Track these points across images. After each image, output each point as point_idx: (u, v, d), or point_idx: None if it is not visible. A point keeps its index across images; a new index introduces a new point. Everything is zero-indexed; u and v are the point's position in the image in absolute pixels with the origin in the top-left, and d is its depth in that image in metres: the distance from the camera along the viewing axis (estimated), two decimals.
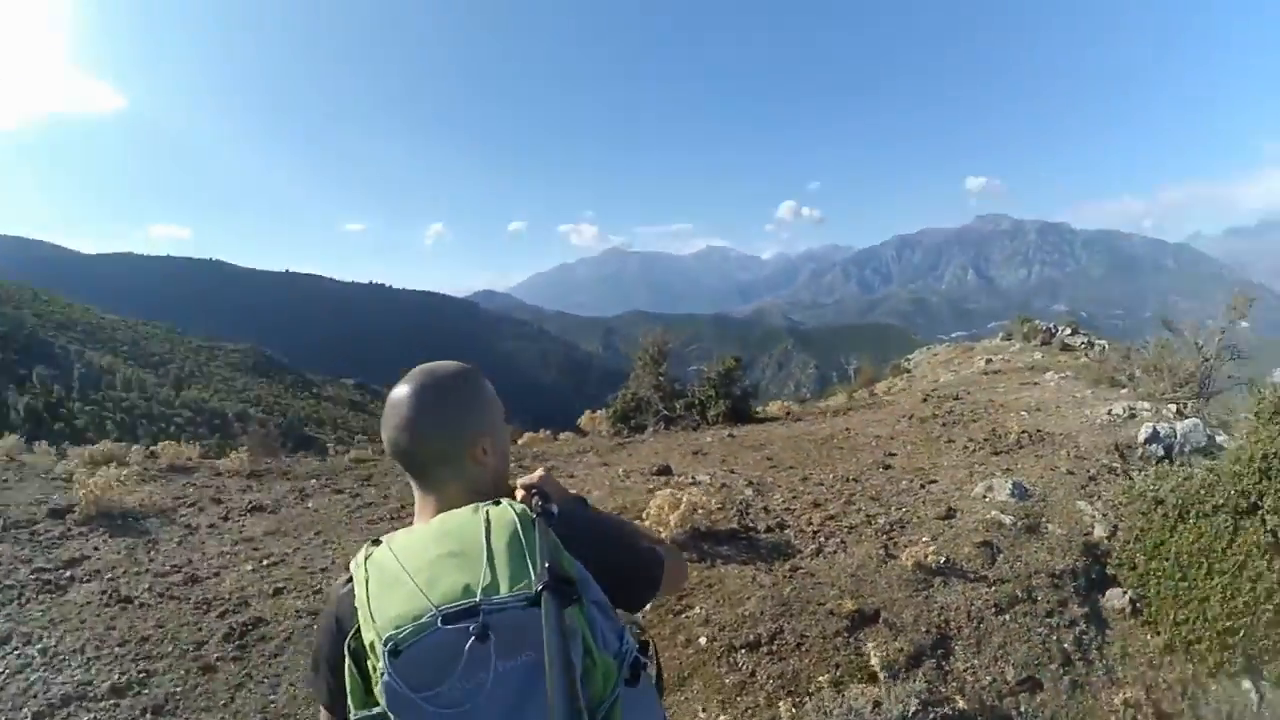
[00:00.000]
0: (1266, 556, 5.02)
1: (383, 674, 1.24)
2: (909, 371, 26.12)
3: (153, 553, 6.59)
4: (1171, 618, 5.30)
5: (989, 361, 20.78)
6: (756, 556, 5.92)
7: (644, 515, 6.17)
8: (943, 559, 5.72)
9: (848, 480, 8.13)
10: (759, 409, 14.50)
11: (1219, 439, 8.57)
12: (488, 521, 1.39)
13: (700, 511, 6.09)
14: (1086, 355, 21.47)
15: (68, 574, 5.96)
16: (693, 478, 8.40)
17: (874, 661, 4.68)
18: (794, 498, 7.51)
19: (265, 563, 6.39)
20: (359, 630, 1.33)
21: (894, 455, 9.27)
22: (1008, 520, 6.52)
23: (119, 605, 5.48)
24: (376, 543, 1.45)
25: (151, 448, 11.09)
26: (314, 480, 9.38)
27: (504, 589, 1.27)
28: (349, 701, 1.35)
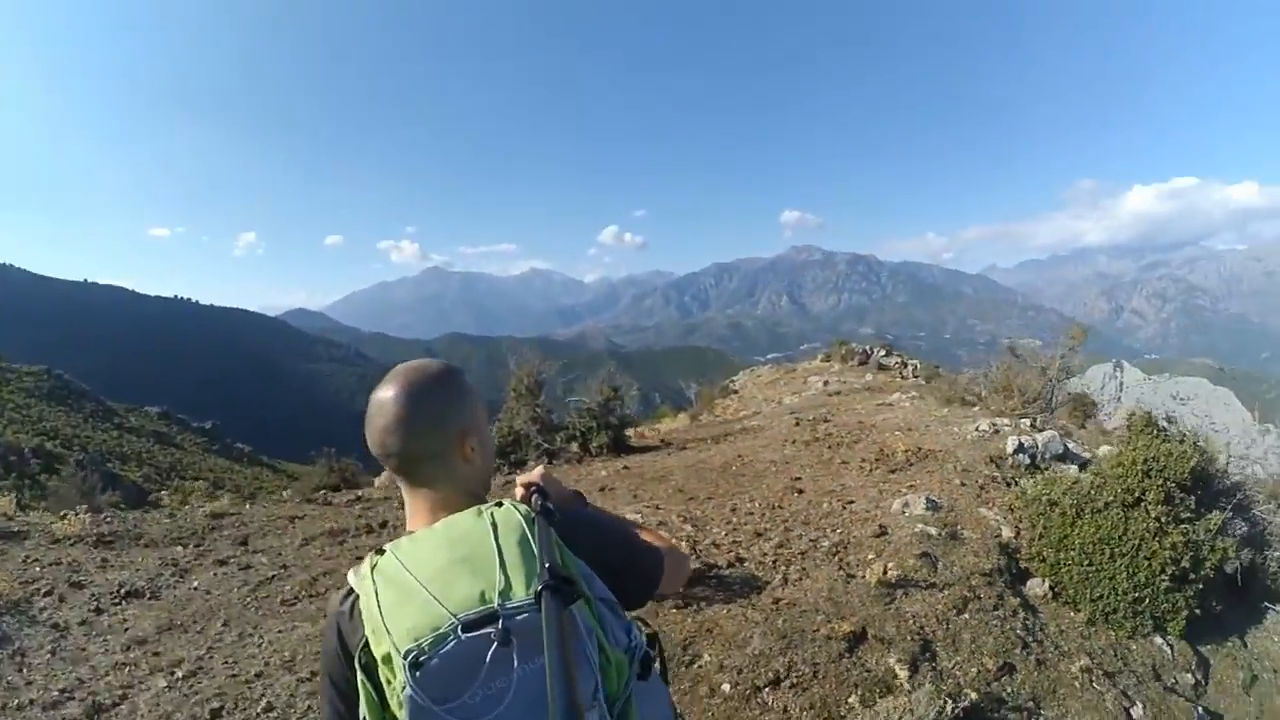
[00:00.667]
0: (1155, 539, 6.19)
1: (404, 687, 1.21)
2: (736, 392, 26.78)
3: (26, 670, 5.14)
4: (1088, 596, 6.37)
5: (827, 384, 21.62)
6: (733, 594, 5.83)
7: None
8: (898, 573, 6.02)
9: (773, 507, 8.16)
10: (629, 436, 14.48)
11: (1071, 446, 9.66)
12: (494, 524, 1.38)
13: None
14: (901, 375, 22.87)
15: None
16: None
17: (900, 675, 4.94)
18: (733, 529, 7.47)
19: (179, 675, 5.13)
20: (368, 644, 1.31)
21: (799, 479, 9.41)
22: (933, 532, 7.07)
23: None
24: (381, 552, 1.42)
25: None
26: (180, 547, 8.24)
27: (520, 592, 1.26)
28: (367, 719, 1.31)
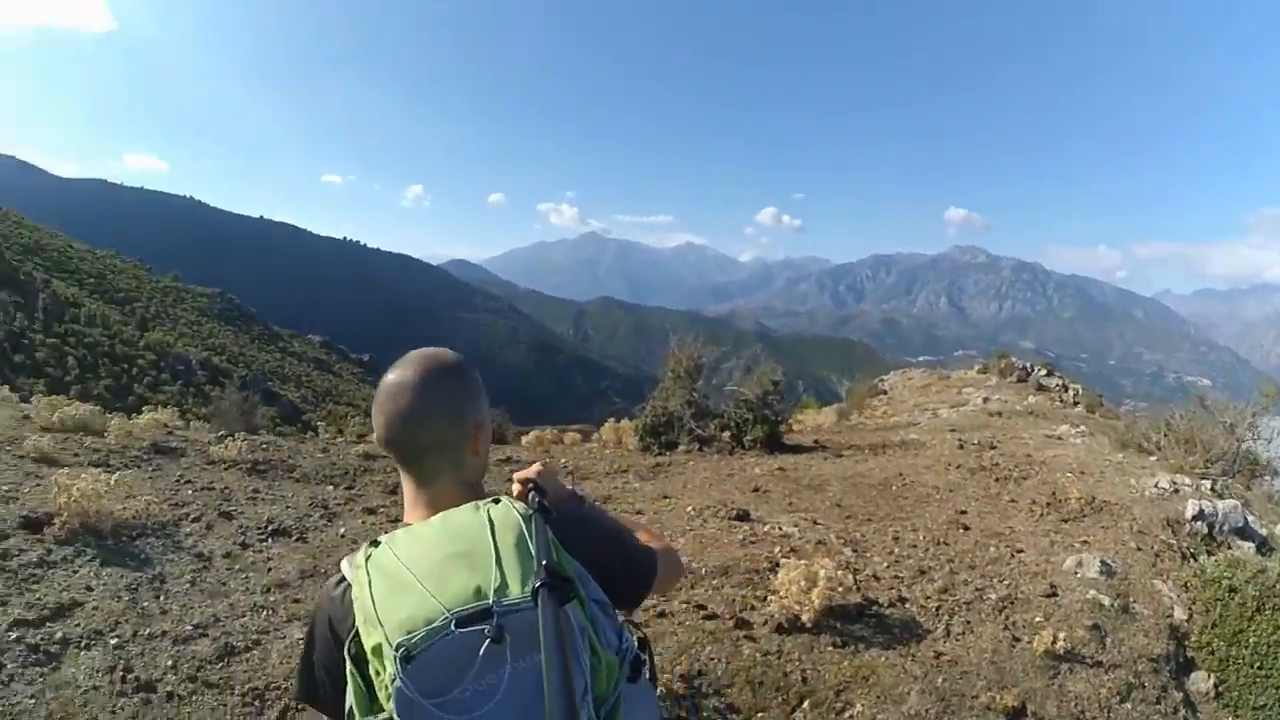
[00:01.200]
0: None
1: (393, 679, 1.21)
2: (885, 393, 26.03)
3: (163, 598, 5.08)
4: (1250, 702, 5.71)
5: (987, 400, 20.62)
6: (893, 639, 5.37)
7: (774, 590, 5.56)
8: (1066, 645, 5.50)
9: (937, 542, 7.60)
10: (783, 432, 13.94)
11: (1251, 520, 8.67)
12: (492, 521, 1.39)
13: (839, 589, 5.58)
14: (1061, 399, 21.61)
15: (58, 633, 4.41)
16: (779, 527, 7.73)
17: None
18: (896, 561, 6.97)
19: None
20: (358, 635, 1.31)
21: (965, 513, 8.78)
22: (1106, 601, 6.41)
23: (139, 695, 4.09)
24: (375, 543, 1.41)
25: (129, 424, 10.18)
26: (330, 486, 8.38)
27: (515, 589, 1.26)
28: (354, 710, 1.31)
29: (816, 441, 13.92)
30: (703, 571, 6.13)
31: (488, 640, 1.20)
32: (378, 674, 1.25)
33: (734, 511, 7.97)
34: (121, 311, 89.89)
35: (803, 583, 5.33)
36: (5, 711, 3.76)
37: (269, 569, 5.84)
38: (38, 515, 5.70)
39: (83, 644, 4.38)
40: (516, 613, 1.23)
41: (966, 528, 8.22)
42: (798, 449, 12.88)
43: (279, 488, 8.03)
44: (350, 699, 1.31)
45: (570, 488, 1.77)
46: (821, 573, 5.40)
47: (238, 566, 5.80)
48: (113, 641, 4.46)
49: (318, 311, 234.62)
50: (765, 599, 5.56)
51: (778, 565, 6.06)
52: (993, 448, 12.51)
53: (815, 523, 8.10)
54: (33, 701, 3.85)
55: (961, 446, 12.64)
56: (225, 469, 8.46)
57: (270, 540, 6.43)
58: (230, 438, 9.77)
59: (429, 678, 1.20)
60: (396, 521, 7.12)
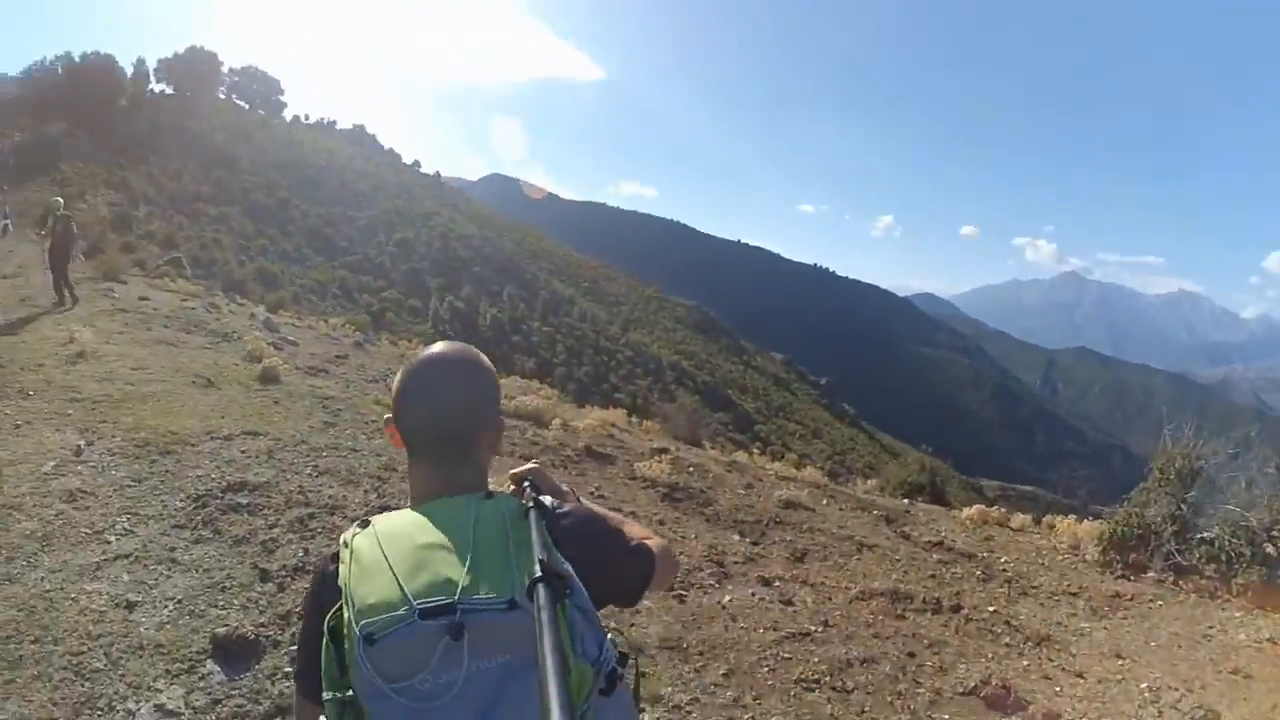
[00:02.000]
0: None
1: (356, 660, 1.21)
2: None
3: None
4: None
5: None
6: None
7: None
8: None
9: None
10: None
11: None
12: (478, 516, 1.38)
13: None
14: None
15: None
16: None
17: None
18: None
19: None
20: (340, 608, 1.29)
21: None
22: None
23: None
24: (365, 524, 1.40)
25: (580, 418, 10.21)
26: (737, 535, 7.50)
27: (483, 590, 1.24)
28: (322, 681, 1.30)
29: None
30: None
31: (446, 636, 1.19)
32: (348, 650, 1.24)
33: (1199, 713, 5.46)
34: (608, 313, 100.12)
35: None
36: None
37: (630, 625, 5.16)
38: None
39: None
40: (480, 613, 1.21)
41: None
42: None
43: (685, 524, 7.48)
44: (324, 667, 1.30)
45: (564, 487, 1.73)
46: None
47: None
48: None
49: (782, 331, 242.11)
50: None
51: None
52: None
53: None
54: None
55: None
56: (643, 488, 8.19)
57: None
58: (658, 455, 9.46)
59: (389, 663, 1.19)
60: (788, 604, 5.73)
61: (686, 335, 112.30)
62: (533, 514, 1.37)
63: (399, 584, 1.24)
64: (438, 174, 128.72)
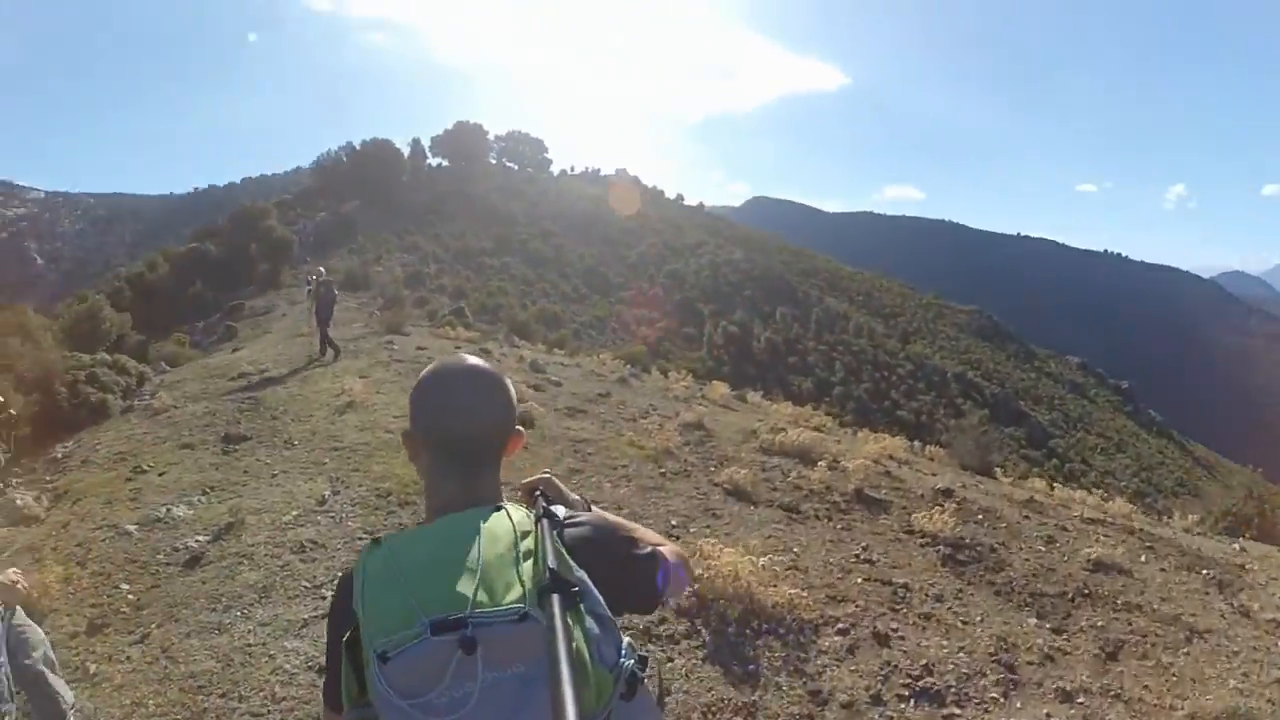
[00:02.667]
0: None
1: (373, 677, 1.24)
2: None
3: None
4: None
5: None
6: None
7: None
8: None
9: None
10: None
11: None
12: (487, 528, 1.37)
13: None
14: None
15: None
16: None
17: None
18: None
19: None
20: (358, 625, 1.32)
21: None
22: None
23: None
24: (378, 542, 1.40)
25: (842, 459, 9.18)
26: (1034, 619, 5.73)
27: (494, 602, 1.25)
28: (342, 696, 1.35)
29: None
30: None
31: (459, 651, 1.20)
32: (366, 665, 1.26)
33: None
34: (885, 325, 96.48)
35: None
36: None
37: None
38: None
39: None
40: (491, 625, 1.22)
41: None
42: None
43: (970, 599, 5.98)
44: (343, 681, 1.35)
45: (575, 496, 1.76)
46: None
47: None
48: None
49: (1071, 329, 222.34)
50: None
51: None
52: None
53: None
54: None
55: None
56: (920, 546, 6.84)
57: (910, 703, 4.53)
58: (940, 501, 8.18)
59: (405, 679, 1.21)
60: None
61: (970, 343, 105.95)
62: (544, 524, 1.38)
63: (411, 601, 1.25)
64: (701, 204, 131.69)
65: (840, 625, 5.01)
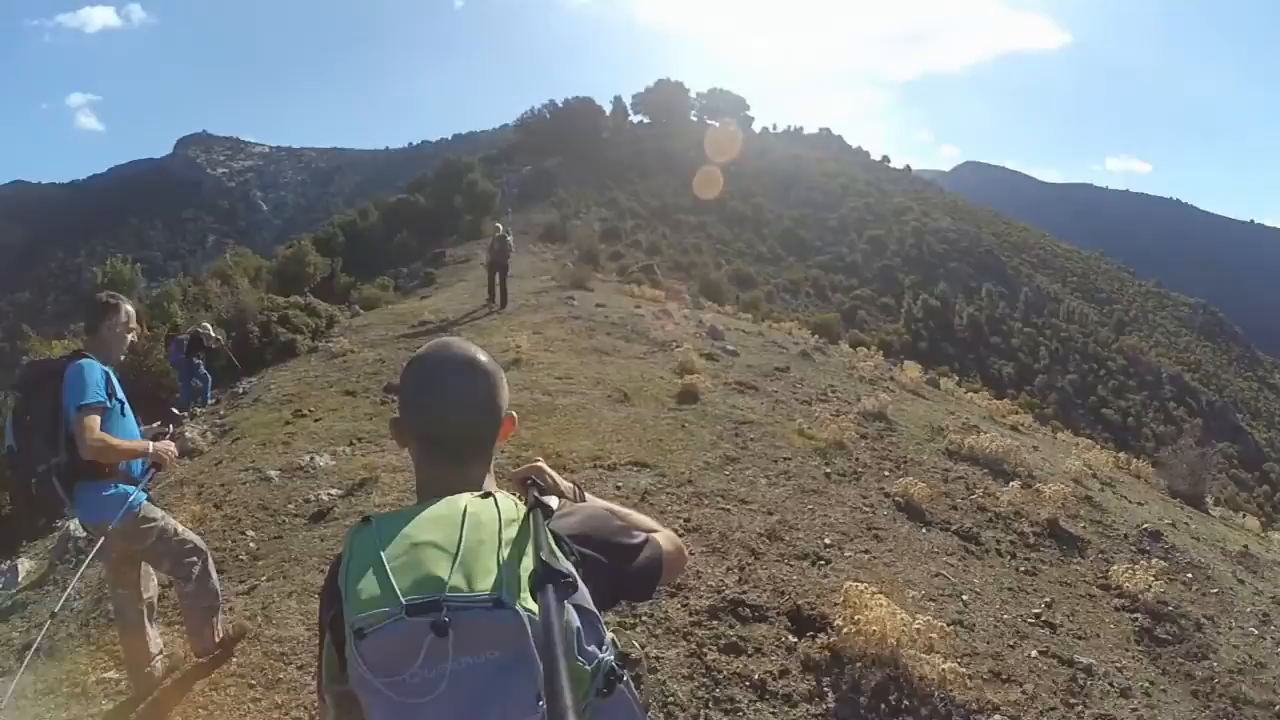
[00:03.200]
0: None
1: (350, 654, 1.25)
2: None
3: None
4: None
5: None
6: None
7: None
8: None
9: None
10: None
11: None
12: (471, 514, 1.35)
13: None
14: None
15: None
16: None
17: None
18: None
19: None
20: (341, 604, 1.32)
21: None
22: None
23: None
24: (367, 520, 1.40)
25: (1036, 477, 8.29)
26: None
27: (469, 587, 1.24)
28: (323, 671, 1.37)
29: None
30: None
31: (430, 633, 1.20)
32: (345, 643, 1.26)
33: None
34: (1099, 312, 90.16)
35: None
36: None
37: None
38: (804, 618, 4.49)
39: None
40: (465, 610, 1.21)
41: None
42: None
43: (1158, 695, 4.78)
44: (323, 658, 1.37)
45: (568, 484, 1.76)
46: None
47: None
48: None
49: None
50: None
51: None
52: None
53: None
54: None
55: None
56: (1116, 609, 5.71)
57: None
58: (1144, 548, 7.09)
59: (379, 657, 1.21)
60: None
61: (1190, 341, 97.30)
62: (535, 513, 1.37)
63: (390, 580, 1.25)
64: (908, 167, 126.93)
65: (997, 717, 4.16)
